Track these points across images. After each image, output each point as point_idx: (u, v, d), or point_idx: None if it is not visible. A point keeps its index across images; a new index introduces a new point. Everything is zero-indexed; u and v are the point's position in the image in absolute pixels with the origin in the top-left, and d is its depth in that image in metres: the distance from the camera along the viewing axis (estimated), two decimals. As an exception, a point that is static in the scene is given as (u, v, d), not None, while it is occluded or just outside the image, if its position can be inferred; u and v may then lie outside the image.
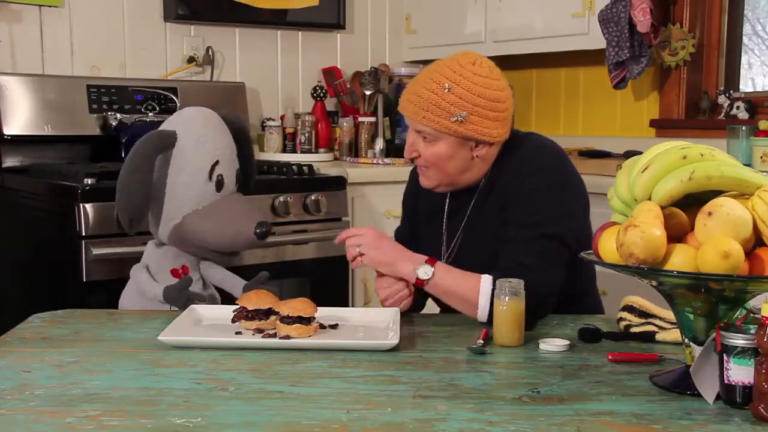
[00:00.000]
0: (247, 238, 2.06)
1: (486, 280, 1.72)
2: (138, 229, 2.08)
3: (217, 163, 2.06)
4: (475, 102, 1.76)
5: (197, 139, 2.05)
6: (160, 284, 2.00)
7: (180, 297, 1.92)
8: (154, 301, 2.01)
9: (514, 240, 1.76)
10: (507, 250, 1.76)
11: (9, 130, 3.04)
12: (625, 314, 1.73)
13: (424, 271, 1.75)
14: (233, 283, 2.15)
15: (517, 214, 1.78)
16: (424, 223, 2.03)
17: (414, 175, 2.05)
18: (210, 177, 2.05)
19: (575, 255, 1.68)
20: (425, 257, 1.78)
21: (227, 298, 2.14)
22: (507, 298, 1.60)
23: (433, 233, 1.99)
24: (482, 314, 1.72)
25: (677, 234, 1.31)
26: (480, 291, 1.72)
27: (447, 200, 1.96)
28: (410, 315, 1.81)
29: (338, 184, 3.11)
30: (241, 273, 2.18)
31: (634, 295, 1.77)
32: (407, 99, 1.83)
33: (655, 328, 1.65)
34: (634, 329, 1.67)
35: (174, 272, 2.08)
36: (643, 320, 1.69)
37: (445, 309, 2.02)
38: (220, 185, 2.07)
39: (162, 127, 2.11)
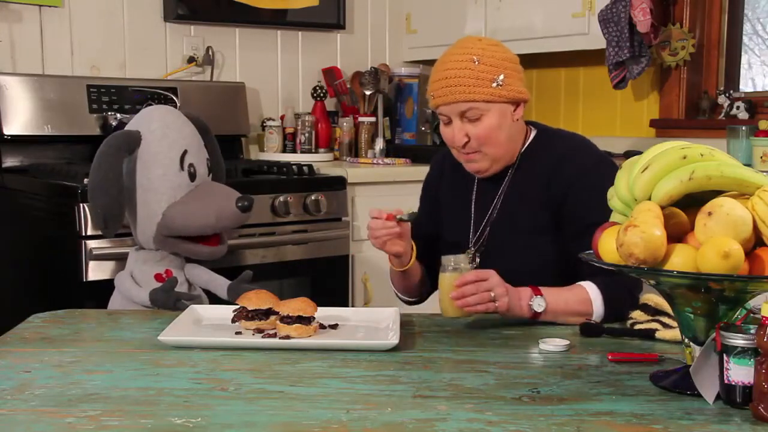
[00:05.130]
0: (231, 214, 2.06)
1: (591, 288, 1.75)
2: (117, 231, 2.07)
3: (186, 152, 2.06)
4: (505, 66, 1.84)
5: (162, 132, 2.06)
6: (145, 289, 2.00)
7: (168, 298, 1.92)
8: (141, 307, 2.00)
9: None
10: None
11: (9, 130, 3.04)
12: (636, 313, 1.72)
13: (538, 304, 1.73)
14: (218, 283, 2.15)
15: (591, 214, 1.71)
16: (449, 209, 2.04)
17: (438, 160, 2.08)
18: (182, 166, 2.05)
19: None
20: (529, 289, 1.73)
21: (214, 300, 2.13)
22: (448, 273, 1.69)
23: (459, 219, 1.99)
24: (597, 318, 1.75)
25: (677, 234, 1.31)
26: (592, 300, 1.74)
27: (475, 185, 1.98)
28: (410, 315, 1.81)
29: (338, 184, 3.11)
30: (238, 274, 2.18)
31: (648, 293, 1.75)
32: (442, 87, 1.83)
33: (658, 326, 1.64)
34: (637, 326, 1.67)
35: (158, 277, 2.08)
36: (649, 317, 1.69)
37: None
38: (192, 176, 2.07)
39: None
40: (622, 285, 1.75)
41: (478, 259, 1.94)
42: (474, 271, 1.72)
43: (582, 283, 1.76)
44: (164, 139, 2.05)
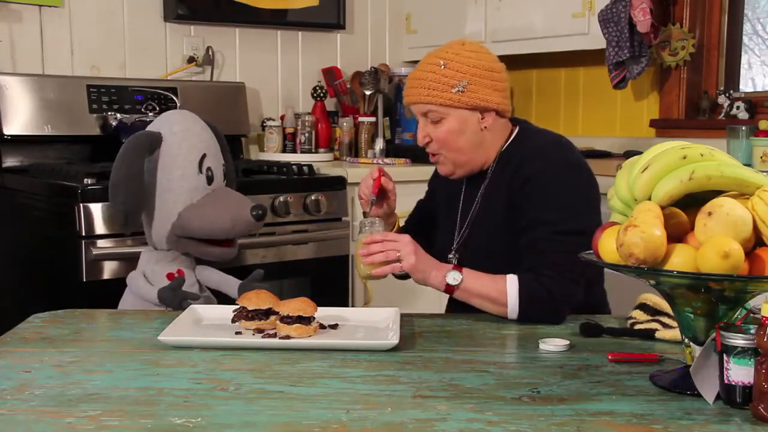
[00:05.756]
0: (246, 222, 2.10)
1: (512, 280, 1.76)
2: (135, 228, 2.10)
3: (204, 156, 2.09)
4: (472, 72, 1.84)
5: (182, 135, 2.09)
6: (155, 287, 2.01)
7: (174, 297, 1.93)
8: (152, 305, 2.02)
9: (541, 239, 1.78)
10: (532, 248, 1.79)
11: (9, 130, 3.04)
12: (636, 312, 1.73)
13: (453, 277, 1.77)
14: (229, 283, 2.17)
15: (538, 212, 1.80)
16: (441, 209, 2.07)
17: None
18: (200, 169, 2.08)
19: None
20: (452, 265, 1.80)
21: (223, 301, 2.14)
22: (362, 234, 1.79)
23: (448, 220, 2.02)
24: (512, 313, 1.76)
25: (677, 234, 1.31)
26: (507, 291, 1.75)
27: (463, 186, 2.00)
28: (410, 315, 1.81)
29: (338, 184, 3.11)
30: (241, 273, 2.19)
31: (647, 293, 1.76)
32: (408, 87, 1.90)
33: (658, 326, 1.65)
34: (637, 326, 1.67)
35: (170, 276, 2.09)
36: (649, 317, 1.69)
37: (451, 308, 2.04)
38: (210, 179, 2.10)
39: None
40: (546, 288, 1.73)
41: (455, 260, 1.96)
42: (385, 232, 1.83)
43: (509, 275, 1.77)
44: (184, 142, 2.08)
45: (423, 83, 1.85)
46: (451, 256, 1.98)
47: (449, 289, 1.78)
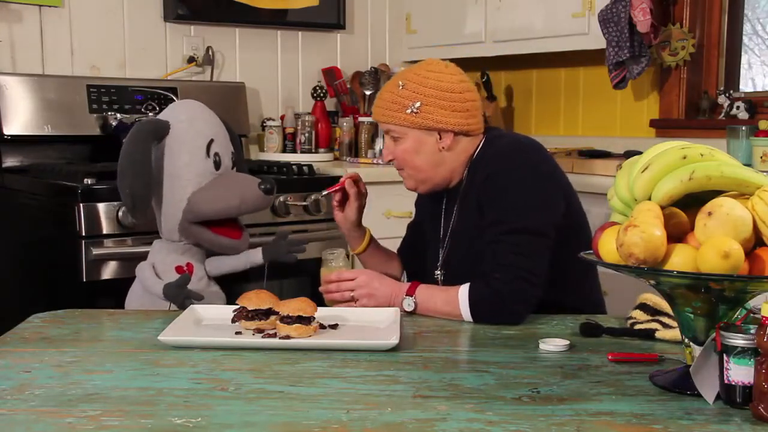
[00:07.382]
0: (254, 196, 2.10)
1: (463, 289, 1.77)
2: (144, 213, 2.08)
3: (212, 141, 2.09)
4: (427, 93, 1.85)
5: (189, 122, 2.09)
6: (162, 281, 2.01)
7: (178, 295, 1.93)
8: (157, 297, 2.02)
9: (491, 241, 1.80)
10: (486, 253, 1.81)
11: (9, 130, 3.04)
12: (636, 312, 1.73)
13: (408, 304, 1.81)
14: (249, 259, 2.18)
15: (490, 215, 1.83)
16: (428, 227, 2.07)
17: None
18: (208, 154, 2.08)
19: (564, 244, 1.76)
20: (406, 287, 1.83)
21: (232, 296, 2.14)
22: (324, 268, 1.90)
23: (433, 235, 2.03)
24: (467, 319, 1.77)
25: (677, 234, 1.31)
26: (459, 301, 1.77)
27: (444, 198, 2.00)
28: (410, 315, 1.81)
29: (338, 184, 3.11)
30: (242, 273, 2.18)
31: (647, 293, 1.76)
32: (374, 106, 1.94)
33: (658, 326, 1.65)
34: (637, 326, 1.67)
35: (179, 269, 2.09)
36: (649, 317, 1.69)
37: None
38: (218, 164, 2.10)
39: None
40: (494, 291, 1.74)
41: (441, 275, 1.98)
42: (341, 271, 1.90)
43: (463, 285, 1.78)
44: (191, 129, 2.09)
45: (383, 103, 1.89)
46: (437, 272, 1.99)
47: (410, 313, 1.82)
